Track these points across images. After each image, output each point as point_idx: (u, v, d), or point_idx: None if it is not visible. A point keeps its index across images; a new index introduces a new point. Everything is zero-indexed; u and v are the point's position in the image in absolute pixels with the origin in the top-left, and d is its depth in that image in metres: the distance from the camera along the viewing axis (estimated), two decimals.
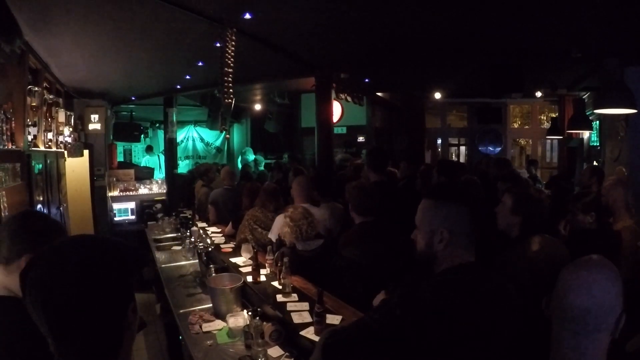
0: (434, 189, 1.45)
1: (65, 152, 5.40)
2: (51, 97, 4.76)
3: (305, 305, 2.43)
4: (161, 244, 4.69)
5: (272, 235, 3.39)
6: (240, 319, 2.43)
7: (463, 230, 1.30)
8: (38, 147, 4.02)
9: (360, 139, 9.60)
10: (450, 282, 1.23)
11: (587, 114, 6.75)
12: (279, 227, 3.19)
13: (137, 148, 11.15)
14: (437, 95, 8.95)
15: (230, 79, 3.93)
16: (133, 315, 0.86)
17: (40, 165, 3.80)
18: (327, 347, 1.23)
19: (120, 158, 9.70)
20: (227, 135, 11.33)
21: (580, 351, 1.10)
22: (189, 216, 5.19)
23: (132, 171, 8.23)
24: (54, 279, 0.76)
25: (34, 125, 3.87)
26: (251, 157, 10.61)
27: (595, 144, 6.92)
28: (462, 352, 1.14)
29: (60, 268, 0.77)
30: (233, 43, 3.73)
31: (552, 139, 10.82)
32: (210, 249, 3.70)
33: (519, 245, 2.08)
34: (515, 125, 12.80)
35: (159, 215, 5.72)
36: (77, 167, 6.04)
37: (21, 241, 1.37)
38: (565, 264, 2.01)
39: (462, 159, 12.28)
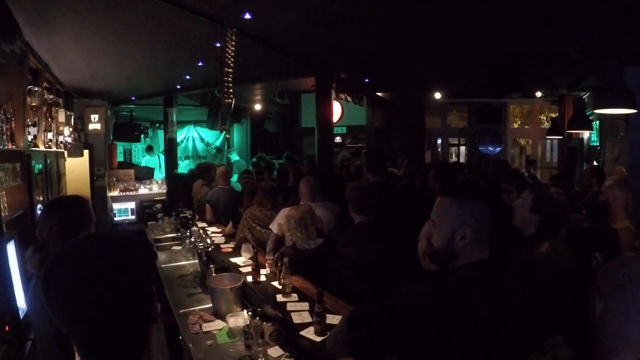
0: (454, 186, 1.49)
1: (65, 152, 5.40)
2: (51, 97, 4.76)
3: (305, 305, 2.42)
4: (161, 244, 4.69)
5: (273, 227, 3.40)
6: (240, 319, 2.43)
7: (485, 227, 1.34)
8: (38, 147, 4.02)
9: (338, 139, 9.49)
10: (473, 278, 1.27)
11: (587, 114, 6.75)
12: (280, 220, 3.23)
13: (137, 148, 11.15)
14: (437, 95, 8.96)
15: (230, 79, 3.93)
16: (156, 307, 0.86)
17: (40, 165, 3.80)
18: (354, 317, 1.28)
19: (120, 158, 9.70)
20: (227, 135, 11.33)
21: None
22: (189, 216, 5.19)
23: (132, 171, 8.23)
24: (80, 282, 0.75)
25: (34, 125, 3.87)
26: (235, 157, 10.62)
27: (595, 144, 6.92)
28: (478, 343, 1.20)
29: (86, 270, 0.76)
30: (233, 43, 3.73)
31: (552, 139, 10.83)
32: (210, 249, 3.70)
33: (534, 246, 2.07)
34: (515, 125, 12.80)
35: (159, 215, 5.71)
36: (77, 167, 6.04)
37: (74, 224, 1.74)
38: (571, 266, 2.04)
39: (462, 159, 12.28)
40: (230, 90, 3.99)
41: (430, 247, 1.39)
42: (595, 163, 6.40)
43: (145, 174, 8.58)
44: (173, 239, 4.84)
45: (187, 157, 11.31)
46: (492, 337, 1.21)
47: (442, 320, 1.18)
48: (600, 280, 1.16)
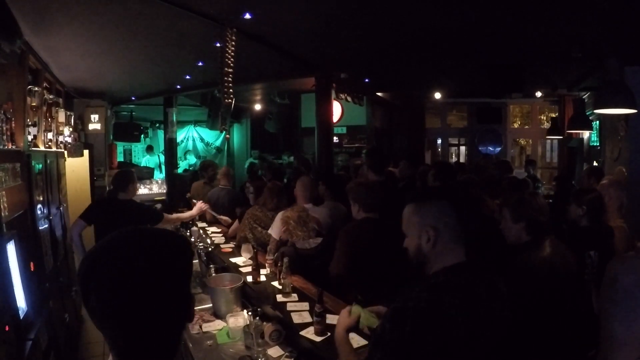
0: (414, 194, 1.49)
1: (65, 152, 5.39)
2: (51, 97, 4.74)
3: (305, 305, 2.43)
4: None
5: (272, 232, 3.40)
6: (240, 319, 2.43)
7: (447, 225, 1.34)
8: (38, 147, 4.01)
9: (335, 139, 9.39)
10: (444, 285, 1.24)
11: (587, 114, 6.75)
12: (279, 224, 3.22)
13: (137, 148, 11.16)
14: (437, 95, 8.95)
15: (230, 79, 3.93)
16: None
17: (40, 165, 3.79)
18: None
19: (120, 158, 9.71)
20: (227, 135, 11.34)
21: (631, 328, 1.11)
22: None
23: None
24: (122, 283, 0.72)
25: (34, 125, 3.86)
26: (192, 160, 10.64)
27: (595, 144, 6.92)
28: (459, 350, 1.15)
29: (126, 269, 0.73)
30: (233, 43, 3.73)
31: (552, 139, 10.83)
32: (210, 249, 3.70)
33: (532, 250, 2.07)
34: (515, 125, 12.80)
35: None
36: (77, 167, 6.03)
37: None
38: (574, 269, 2.04)
39: (462, 159, 12.28)
40: (230, 90, 3.99)
41: (408, 257, 1.41)
42: (595, 163, 6.40)
43: (145, 174, 8.58)
44: None
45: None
46: (473, 342, 1.17)
47: (419, 344, 1.14)
48: (605, 280, 1.17)
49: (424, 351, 1.13)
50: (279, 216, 3.33)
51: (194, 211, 4.34)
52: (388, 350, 1.16)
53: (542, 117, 12.49)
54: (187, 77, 6.35)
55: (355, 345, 1.85)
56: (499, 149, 11.64)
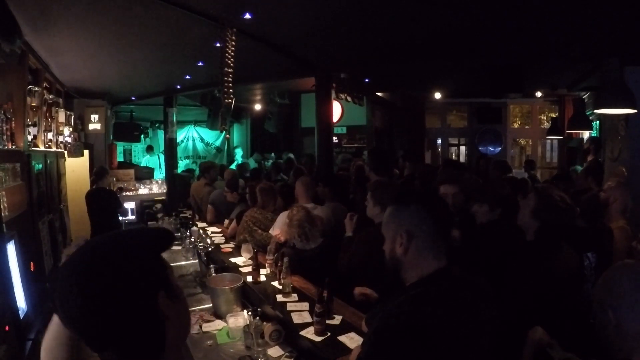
0: (396, 196, 1.45)
1: (65, 152, 5.40)
2: (51, 97, 4.75)
3: (305, 305, 2.42)
4: None
5: (273, 231, 3.40)
6: (240, 319, 2.43)
7: (424, 232, 1.27)
8: (38, 147, 4.02)
9: (335, 139, 9.39)
10: (424, 296, 1.19)
11: (587, 114, 6.75)
12: (281, 224, 3.21)
13: (137, 148, 11.15)
14: (437, 95, 8.96)
15: (230, 79, 3.94)
16: (168, 303, 0.80)
17: (40, 165, 3.80)
18: None
19: (120, 158, 9.70)
20: (227, 135, 11.34)
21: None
22: (189, 216, 5.19)
23: (132, 171, 8.23)
24: (63, 284, 0.74)
25: (34, 125, 3.86)
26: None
27: None
28: (453, 357, 1.14)
29: (69, 272, 0.75)
30: (233, 43, 3.73)
31: (552, 139, 10.83)
32: (210, 249, 3.69)
33: (536, 259, 1.98)
34: (515, 125, 12.79)
35: (159, 215, 5.71)
36: (77, 167, 6.04)
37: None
38: (574, 277, 2.02)
39: (462, 159, 12.28)
40: (230, 90, 3.99)
41: (384, 260, 1.36)
42: None
43: (145, 174, 8.58)
44: None
45: (187, 157, 11.31)
46: (462, 348, 1.14)
47: (403, 353, 1.11)
48: (604, 293, 1.18)
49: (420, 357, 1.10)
50: (282, 217, 3.32)
51: None
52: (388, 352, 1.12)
53: (542, 117, 12.49)
54: (187, 77, 6.36)
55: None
56: (499, 149, 11.63)
